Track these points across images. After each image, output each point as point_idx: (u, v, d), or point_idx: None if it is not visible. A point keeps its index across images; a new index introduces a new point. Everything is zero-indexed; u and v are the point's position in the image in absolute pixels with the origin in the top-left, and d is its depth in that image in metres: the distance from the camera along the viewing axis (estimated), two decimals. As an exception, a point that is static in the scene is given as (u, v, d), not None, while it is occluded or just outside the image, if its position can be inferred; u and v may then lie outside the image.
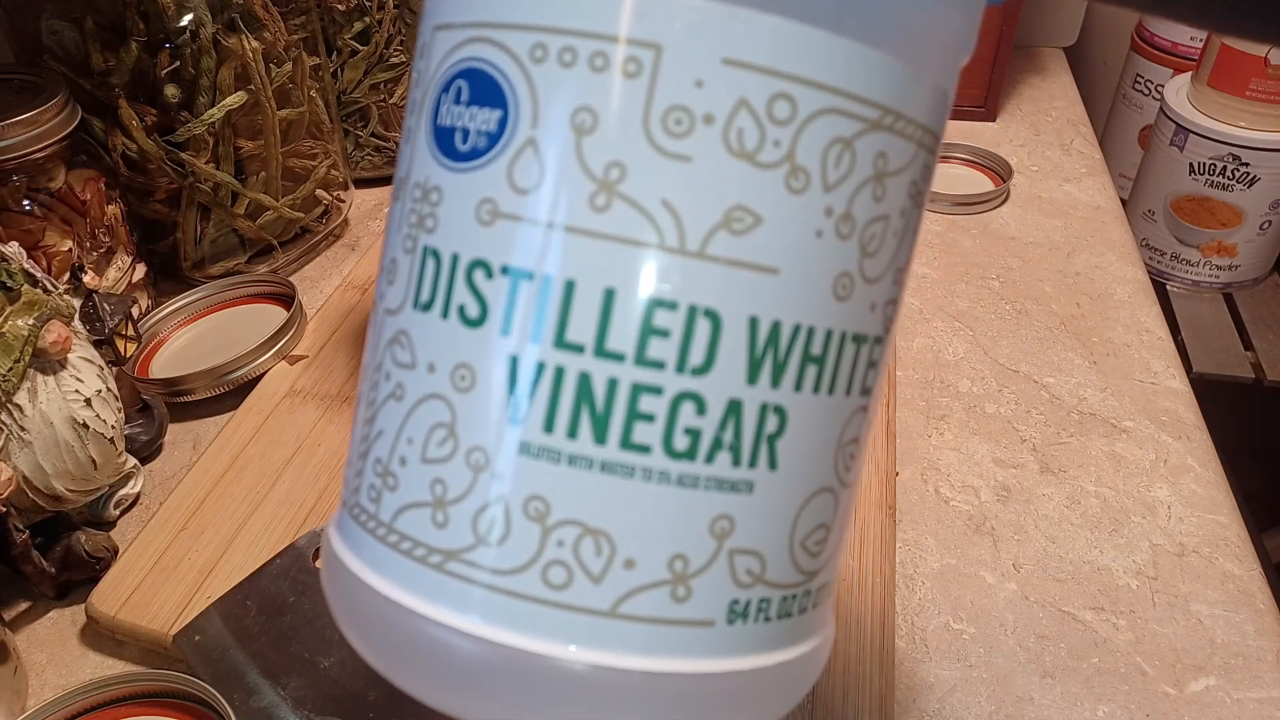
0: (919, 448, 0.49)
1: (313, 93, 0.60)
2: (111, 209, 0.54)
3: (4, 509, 0.37)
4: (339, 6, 0.65)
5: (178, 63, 0.53)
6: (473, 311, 0.17)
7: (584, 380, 0.16)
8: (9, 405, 0.37)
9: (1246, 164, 0.84)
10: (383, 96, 0.69)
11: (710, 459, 0.17)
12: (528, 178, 0.16)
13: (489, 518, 0.17)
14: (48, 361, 0.39)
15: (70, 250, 0.51)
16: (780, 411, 0.17)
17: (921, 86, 0.17)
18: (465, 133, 0.17)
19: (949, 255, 0.64)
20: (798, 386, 0.17)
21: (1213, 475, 0.47)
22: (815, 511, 0.18)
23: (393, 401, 0.18)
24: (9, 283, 0.38)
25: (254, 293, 0.58)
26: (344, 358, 0.53)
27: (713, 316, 0.16)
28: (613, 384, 0.16)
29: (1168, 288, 0.93)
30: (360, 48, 0.67)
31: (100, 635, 0.40)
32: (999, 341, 0.56)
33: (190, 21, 0.52)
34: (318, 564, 0.40)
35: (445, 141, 0.18)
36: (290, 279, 0.58)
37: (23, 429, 0.38)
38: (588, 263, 0.16)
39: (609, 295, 0.16)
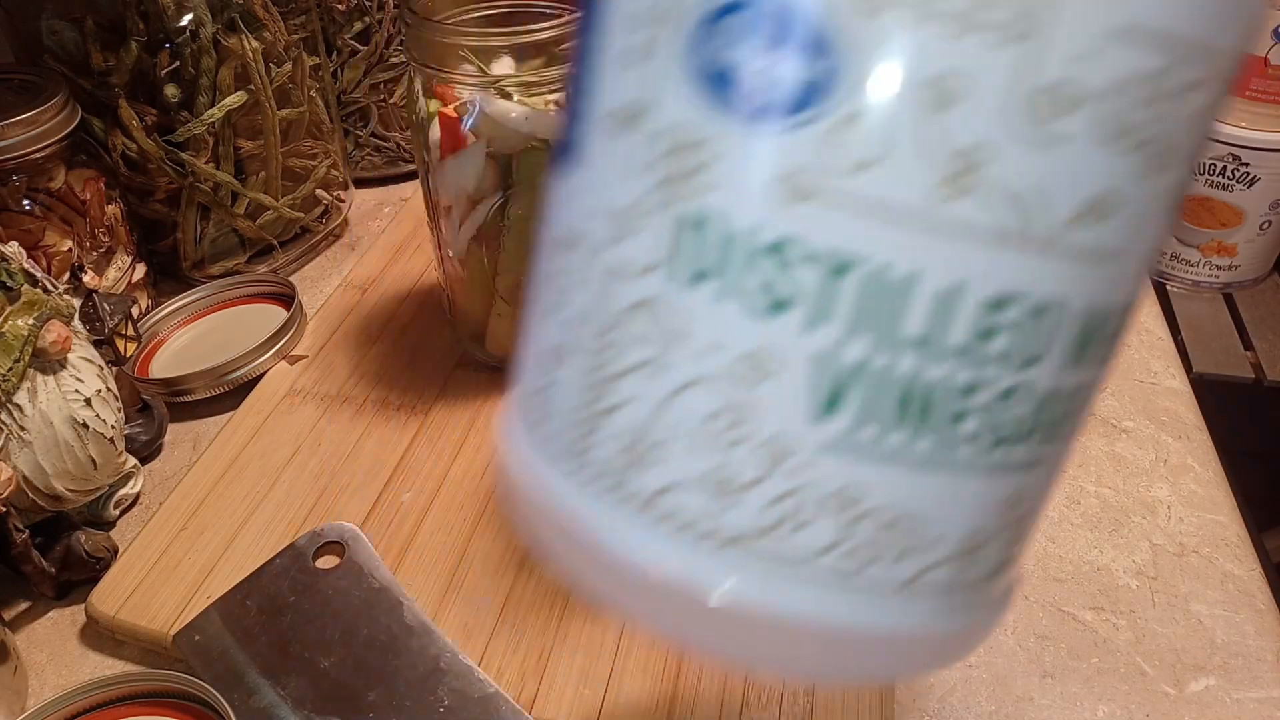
0: (919, 448, 0.49)
1: (313, 93, 0.60)
2: (111, 209, 0.54)
3: (4, 509, 0.37)
4: (339, 6, 0.65)
5: (178, 63, 0.53)
6: (772, 298, 0.15)
7: (912, 380, 0.15)
8: (9, 405, 0.37)
9: (1246, 164, 0.84)
10: (383, 96, 0.69)
11: (1023, 444, 0.16)
12: (859, 151, 0.14)
13: (784, 508, 0.16)
14: (48, 361, 0.39)
15: (70, 250, 0.51)
16: (1084, 390, 0.16)
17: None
18: (763, 83, 0.14)
19: (949, 255, 0.64)
20: (1102, 362, 0.16)
21: (1213, 475, 0.47)
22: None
23: (647, 371, 0.16)
24: (9, 283, 0.38)
25: (254, 293, 0.58)
26: (344, 358, 0.53)
27: (1057, 308, 0.15)
28: (944, 382, 0.15)
29: (1168, 288, 0.93)
30: (360, 48, 0.67)
31: (100, 635, 0.40)
32: (999, 341, 0.56)
33: (190, 21, 0.52)
34: (318, 564, 0.40)
35: (725, 87, 0.14)
36: (290, 279, 0.58)
37: (23, 429, 0.38)
38: (931, 255, 0.14)
39: (953, 290, 0.14)
